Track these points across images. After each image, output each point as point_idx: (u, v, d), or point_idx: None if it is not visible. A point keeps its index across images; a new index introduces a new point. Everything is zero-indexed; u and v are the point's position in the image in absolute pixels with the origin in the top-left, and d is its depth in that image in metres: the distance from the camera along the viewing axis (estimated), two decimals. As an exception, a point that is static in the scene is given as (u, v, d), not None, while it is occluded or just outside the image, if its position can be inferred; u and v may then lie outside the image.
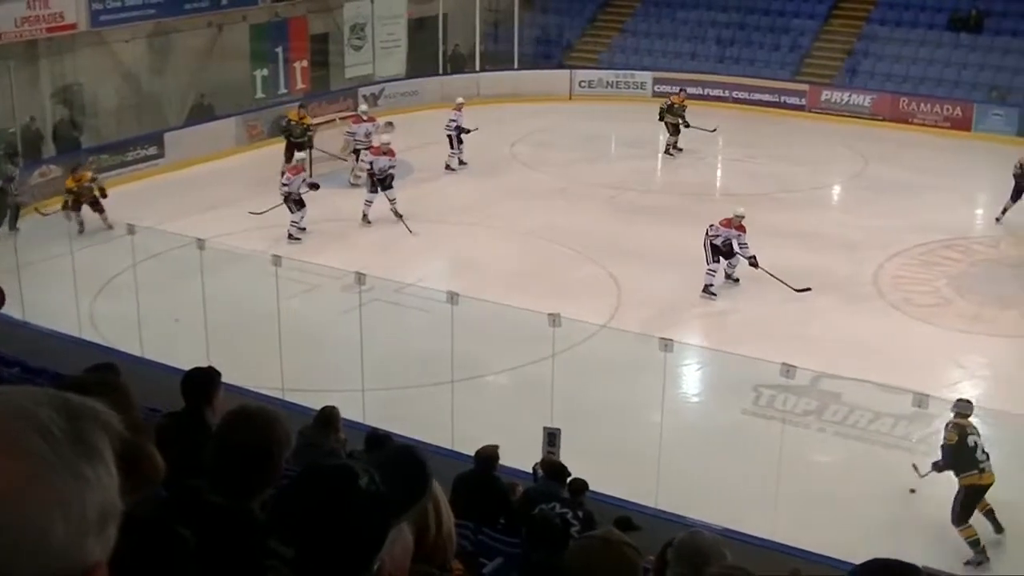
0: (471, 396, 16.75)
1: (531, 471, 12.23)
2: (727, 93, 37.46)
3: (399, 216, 25.33)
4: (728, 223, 21.44)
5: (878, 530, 13.38)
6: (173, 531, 3.17)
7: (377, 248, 23.90)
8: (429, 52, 39.32)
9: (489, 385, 18.36)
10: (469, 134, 29.93)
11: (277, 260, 17.03)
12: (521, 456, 12.89)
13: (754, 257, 21.39)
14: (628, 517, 11.07)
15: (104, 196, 24.64)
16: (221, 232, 22.32)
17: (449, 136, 29.89)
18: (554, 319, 14.55)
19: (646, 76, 38.88)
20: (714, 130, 31.96)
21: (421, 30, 39.35)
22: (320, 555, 2.55)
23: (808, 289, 21.24)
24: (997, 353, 19.63)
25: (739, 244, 21.40)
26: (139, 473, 3.64)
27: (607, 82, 39.13)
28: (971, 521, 13.78)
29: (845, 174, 30.85)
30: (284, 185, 24.44)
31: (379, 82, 36.60)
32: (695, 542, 5.23)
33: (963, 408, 14.22)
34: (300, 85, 34.81)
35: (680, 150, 31.87)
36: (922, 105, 35.13)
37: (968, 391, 18.03)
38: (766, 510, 13.38)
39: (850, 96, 36.17)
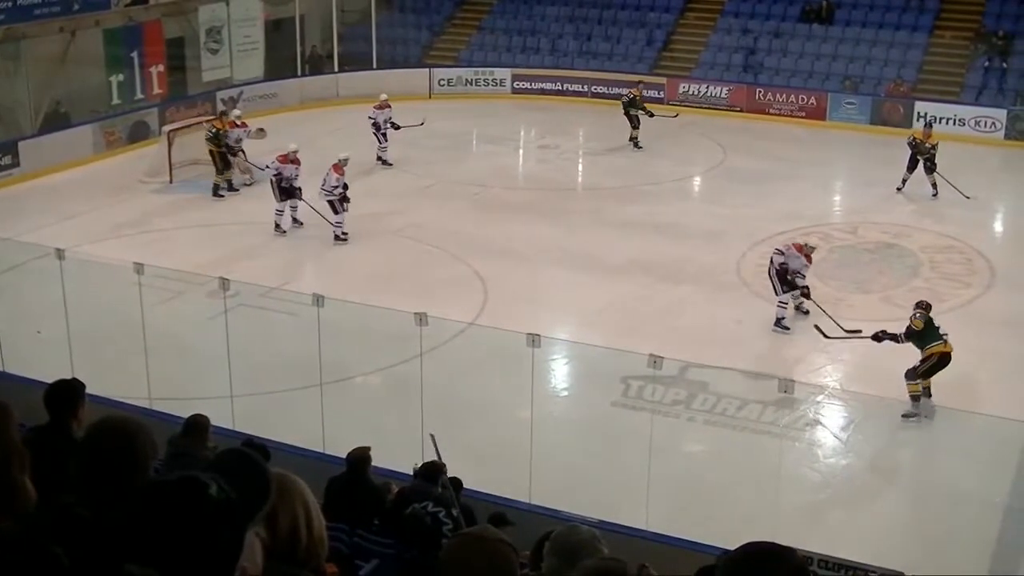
0: (341, 398, 16.66)
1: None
2: (586, 88, 37.70)
3: (299, 223, 25.15)
4: (800, 248, 20.18)
5: (752, 515, 13.55)
6: (44, 549, 3.10)
7: (241, 252, 23.62)
8: (287, 54, 39.02)
9: (359, 387, 18.27)
10: (400, 129, 30.06)
11: (139, 268, 16.76)
12: (394, 457, 12.84)
13: (807, 287, 20.23)
14: (502, 513, 11.08)
15: None
16: (82, 241, 22.01)
17: (375, 133, 29.94)
18: (421, 318, 14.51)
19: (505, 73, 38.99)
20: (676, 115, 32.90)
21: (278, 32, 39.01)
22: (184, 570, 2.49)
23: (859, 331, 19.03)
24: (858, 337, 19.99)
25: (798, 272, 20.18)
26: (7, 500, 3.57)
27: (467, 80, 39.12)
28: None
29: (705, 165, 31.21)
30: (335, 186, 24.18)
31: (237, 85, 36.16)
32: (571, 537, 5.23)
33: (924, 305, 17.16)
34: (157, 90, 34.26)
35: (631, 142, 32.29)
36: (778, 96, 35.71)
37: (831, 375, 18.43)
38: (639, 501, 13.48)
39: (707, 88, 36.61)
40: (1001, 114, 32.73)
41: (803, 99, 35.41)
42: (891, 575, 10.47)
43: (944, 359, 16.79)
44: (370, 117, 30.08)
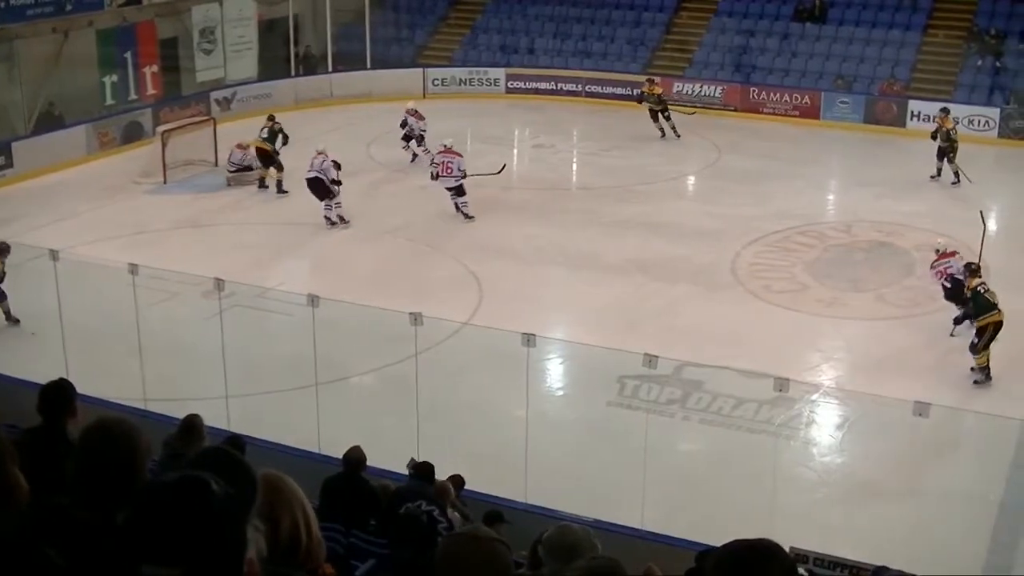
0: (336, 399, 16.64)
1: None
2: (580, 88, 37.69)
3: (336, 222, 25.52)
4: (949, 256, 20.08)
5: (747, 514, 13.54)
6: (37, 551, 3.11)
7: (235, 252, 23.58)
8: (281, 54, 39.00)
9: (354, 387, 18.26)
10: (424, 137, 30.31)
11: (134, 269, 16.74)
12: (389, 457, 12.85)
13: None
14: (498, 511, 11.11)
15: None
16: (76, 242, 21.96)
17: (419, 136, 30.23)
18: (415, 318, 14.51)
19: (499, 73, 38.98)
20: (692, 113, 33.88)
21: (271, 32, 38.98)
22: (204, 566, 2.52)
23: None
24: (853, 335, 20.02)
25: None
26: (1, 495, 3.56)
27: (460, 80, 39.10)
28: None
29: (699, 164, 31.23)
30: (463, 169, 25.44)
31: (231, 85, 36.17)
32: (565, 536, 5.24)
33: (973, 268, 18.74)
34: (151, 91, 34.22)
35: (671, 132, 33.14)
36: (772, 95, 35.73)
37: (826, 373, 18.45)
38: (634, 500, 13.48)
39: (701, 87, 36.61)
40: (994, 113, 32.76)
41: (797, 98, 35.43)
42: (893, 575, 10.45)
43: (998, 327, 17.91)
44: (416, 128, 30.39)
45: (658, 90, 33.37)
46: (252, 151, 28.08)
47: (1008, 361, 18.27)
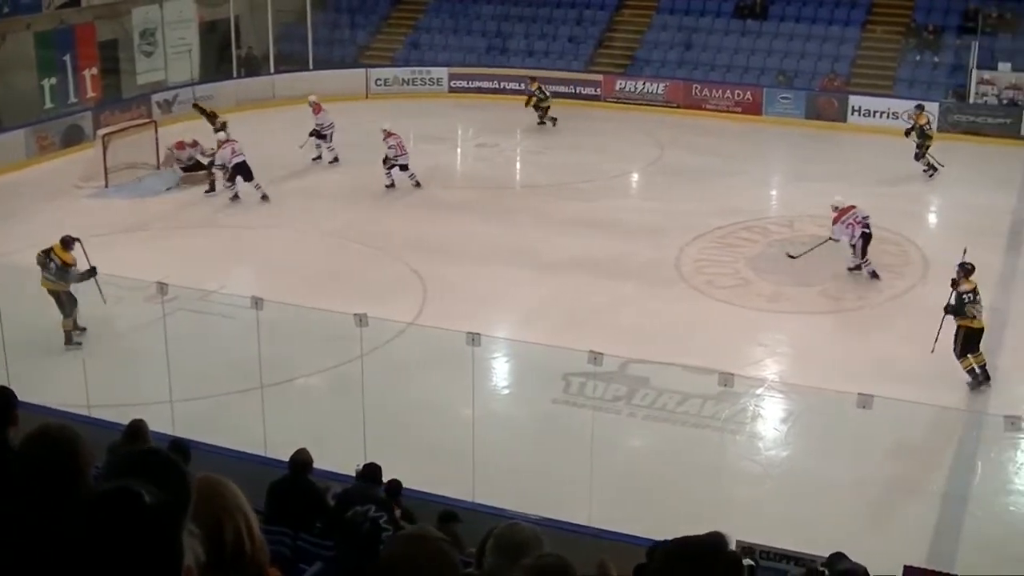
0: (282, 401, 16.59)
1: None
2: (523, 86, 37.65)
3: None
4: (850, 208, 22.11)
5: (694, 508, 13.59)
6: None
7: (177, 255, 23.43)
8: (222, 56, 38.81)
9: (300, 388, 18.19)
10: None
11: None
12: (336, 459, 12.82)
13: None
14: (452, 511, 11.12)
15: None
16: (15, 248, 21.71)
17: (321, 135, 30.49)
18: (360, 319, 14.48)
19: (442, 72, 39.00)
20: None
21: (213, 33, 38.79)
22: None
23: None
24: (797, 329, 20.15)
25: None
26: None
27: (403, 80, 39.10)
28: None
29: (642, 161, 31.34)
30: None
31: (172, 88, 35.94)
32: (512, 534, 5.25)
33: (968, 269, 18.12)
34: (91, 93, 33.96)
35: (550, 122, 34.58)
36: (714, 91, 35.92)
37: (771, 367, 18.56)
38: (582, 497, 13.52)
39: (643, 84, 36.74)
40: (933, 107, 32.97)
41: (739, 94, 35.64)
42: (854, 568, 10.49)
43: (971, 333, 17.75)
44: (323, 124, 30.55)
45: (535, 85, 34.58)
46: (197, 149, 28.30)
47: (951, 353, 18.44)
